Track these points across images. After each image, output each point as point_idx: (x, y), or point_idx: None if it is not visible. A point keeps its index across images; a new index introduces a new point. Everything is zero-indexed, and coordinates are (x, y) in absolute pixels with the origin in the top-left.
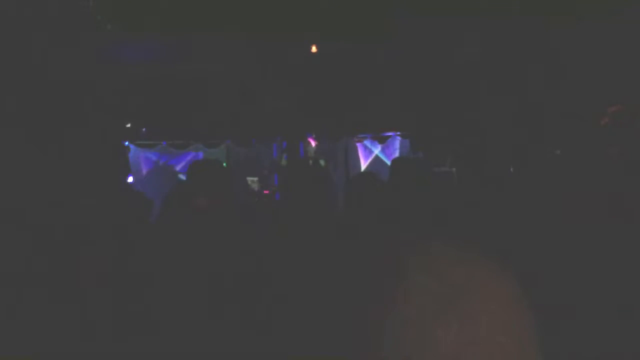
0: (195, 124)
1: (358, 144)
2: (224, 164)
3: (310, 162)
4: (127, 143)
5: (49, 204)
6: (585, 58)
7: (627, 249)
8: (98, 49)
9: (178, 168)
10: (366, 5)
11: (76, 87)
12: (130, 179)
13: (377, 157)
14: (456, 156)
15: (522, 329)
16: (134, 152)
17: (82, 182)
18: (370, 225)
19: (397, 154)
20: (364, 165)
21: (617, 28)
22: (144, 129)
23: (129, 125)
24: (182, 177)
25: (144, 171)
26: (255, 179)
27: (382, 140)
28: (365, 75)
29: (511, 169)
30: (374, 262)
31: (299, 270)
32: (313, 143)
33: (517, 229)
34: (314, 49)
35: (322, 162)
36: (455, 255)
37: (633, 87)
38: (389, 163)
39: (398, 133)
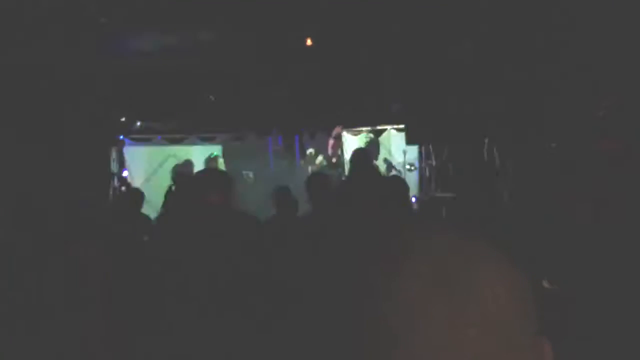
0: (190, 118)
1: (350, 137)
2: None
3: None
4: (121, 137)
5: (45, 197)
6: (582, 53)
7: (620, 239)
8: (92, 42)
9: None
10: None
11: (71, 81)
12: (125, 173)
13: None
14: (452, 150)
15: (517, 317)
16: (129, 146)
17: (77, 176)
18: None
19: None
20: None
21: (614, 23)
22: (138, 123)
23: (123, 119)
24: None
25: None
26: (251, 172)
27: (377, 133)
28: (360, 69)
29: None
30: (371, 250)
31: (301, 260)
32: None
33: (514, 221)
34: (309, 42)
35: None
36: (452, 243)
37: (628, 81)
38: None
39: (393, 127)
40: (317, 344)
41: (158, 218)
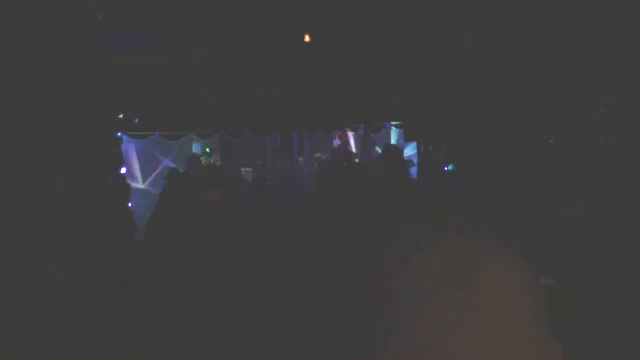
0: (188, 115)
1: (351, 134)
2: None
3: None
4: (120, 134)
5: (43, 195)
6: (582, 48)
7: (620, 236)
8: (90, 39)
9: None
10: None
11: (68, 78)
12: (123, 170)
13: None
14: (452, 146)
15: (528, 316)
16: (127, 143)
17: (75, 173)
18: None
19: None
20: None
21: (615, 20)
22: (136, 120)
23: (121, 116)
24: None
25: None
26: (250, 169)
27: (375, 130)
28: (358, 66)
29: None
30: (382, 245)
31: (310, 252)
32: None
33: (514, 215)
34: (307, 38)
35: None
36: (462, 237)
37: (629, 79)
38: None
39: (393, 123)
40: (322, 341)
41: (153, 215)
